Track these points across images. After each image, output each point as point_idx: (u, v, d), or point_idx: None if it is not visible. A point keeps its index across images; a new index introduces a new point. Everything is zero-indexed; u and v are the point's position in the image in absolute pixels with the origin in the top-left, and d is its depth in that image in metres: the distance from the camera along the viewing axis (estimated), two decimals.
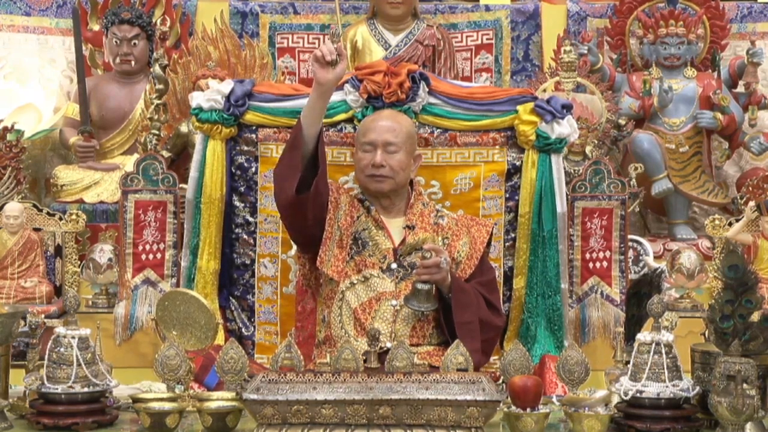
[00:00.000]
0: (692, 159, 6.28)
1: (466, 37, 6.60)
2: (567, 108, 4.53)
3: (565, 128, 4.50)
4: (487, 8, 6.64)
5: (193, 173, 4.60)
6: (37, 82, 6.54)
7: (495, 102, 4.53)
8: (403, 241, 4.15)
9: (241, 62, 5.98)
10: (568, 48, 6.02)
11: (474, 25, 6.60)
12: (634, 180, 5.67)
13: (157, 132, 5.69)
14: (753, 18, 6.64)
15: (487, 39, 6.60)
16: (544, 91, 6.00)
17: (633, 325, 3.83)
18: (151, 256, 4.92)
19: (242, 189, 4.59)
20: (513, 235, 4.55)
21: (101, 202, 6.04)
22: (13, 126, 5.95)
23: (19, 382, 3.64)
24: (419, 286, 3.98)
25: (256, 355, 4.57)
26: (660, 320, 3.42)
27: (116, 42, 6.26)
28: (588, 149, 5.77)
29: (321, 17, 6.59)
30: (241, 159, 4.58)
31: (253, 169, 4.58)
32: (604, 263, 4.87)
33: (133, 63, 6.28)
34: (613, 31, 6.50)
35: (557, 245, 4.50)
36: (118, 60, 6.29)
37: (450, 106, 4.53)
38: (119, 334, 4.86)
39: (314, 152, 4.03)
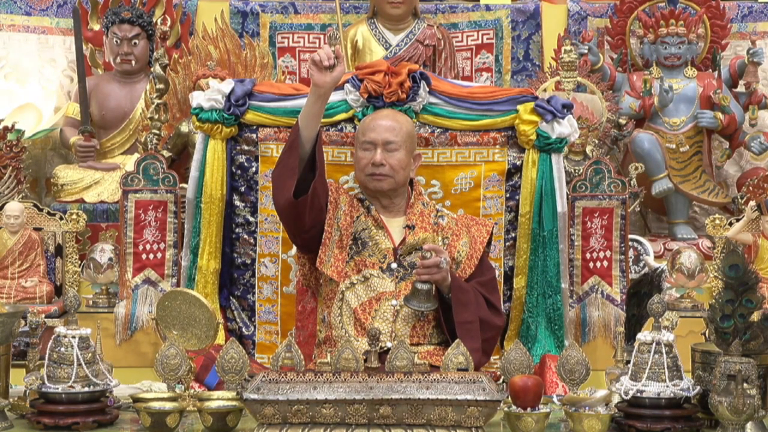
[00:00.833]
0: (692, 159, 6.28)
1: (467, 36, 6.60)
2: (567, 108, 4.53)
3: (566, 128, 4.50)
4: (488, 8, 6.63)
5: (193, 173, 4.60)
6: (38, 82, 6.54)
7: (495, 102, 4.53)
8: (403, 241, 4.15)
9: (241, 62, 5.98)
10: (568, 47, 6.02)
11: (474, 25, 6.60)
12: (634, 180, 5.67)
13: (157, 132, 5.69)
14: (753, 17, 6.63)
15: (487, 38, 6.59)
16: (545, 90, 6.00)
17: (633, 324, 3.83)
18: (151, 256, 4.93)
19: (243, 189, 4.59)
20: (513, 234, 4.55)
21: (102, 202, 6.04)
22: (13, 126, 5.95)
23: (20, 382, 3.64)
24: (419, 286, 3.98)
25: (256, 355, 4.57)
26: (660, 320, 3.42)
27: (117, 41, 6.26)
28: (588, 149, 5.77)
29: (321, 17, 6.59)
30: (241, 158, 4.58)
31: (254, 169, 4.58)
32: (605, 263, 4.88)
33: (133, 63, 6.28)
34: (614, 31, 6.50)
35: (558, 245, 4.50)
36: (118, 59, 6.29)
37: (450, 106, 4.53)
38: (119, 333, 4.87)
39: (312, 154, 4.03)
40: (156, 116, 5.71)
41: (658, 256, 5.86)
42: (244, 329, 4.61)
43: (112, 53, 6.32)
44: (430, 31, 6.32)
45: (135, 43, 6.27)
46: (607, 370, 3.77)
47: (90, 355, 3.44)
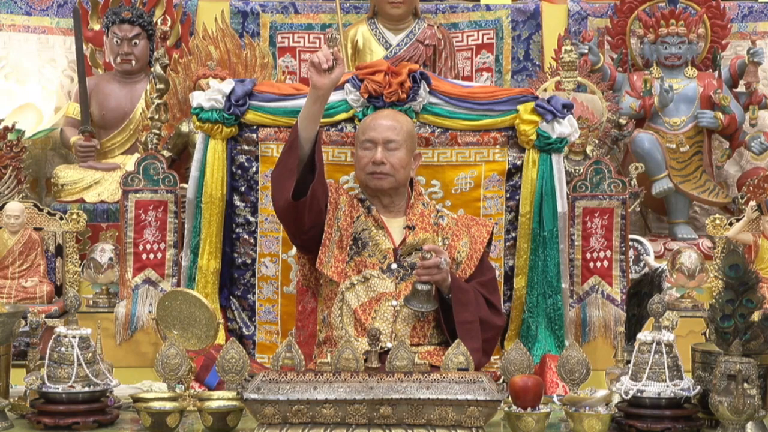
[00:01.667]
0: (693, 158, 6.28)
1: (467, 36, 6.60)
2: (567, 107, 4.53)
3: (566, 128, 4.50)
4: (488, 8, 6.64)
5: (193, 173, 4.59)
6: (38, 82, 6.54)
7: (495, 101, 4.53)
8: (403, 241, 4.15)
9: (241, 62, 5.98)
10: (568, 47, 6.02)
11: (475, 25, 6.60)
12: (634, 179, 5.67)
13: (157, 131, 5.69)
14: (754, 17, 6.63)
15: (487, 38, 6.60)
16: (545, 90, 6.00)
17: (633, 324, 3.83)
18: (151, 256, 4.93)
19: (243, 188, 4.59)
20: (513, 234, 4.55)
21: (102, 202, 6.04)
22: (13, 126, 5.95)
23: (20, 382, 3.64)
24: (419, 286, 3.98)
25: (256, 355, 4.57)
26: (660, 320, 3.42)
27: (117, 41, 6.27)
28: (589, 149, 5.77)
29: (321, 17, 6.59)
30: (241, 158, 4.58)
31: (254, 169, 4.58)
32: (605, 263, 4.88)
33: (133, 62, 6.29)
34: (614, 31, 6.50)
35: (558, 245, 4.50)
36: (118, 59, 6.29)
37: (451, 106, 4.53)
38: (120, 333, 4.87)
39: (312, 155, 4.03)
40: (156, 116, 5.71)
41: (658, 256, 5.86)
42: (244, 329, 4.60)
43: (112, 53, 6.32)
44: (430, 31, 6.32)
45: (135, 43, 6.27)
46: (608, 370, 3.77)
47: (90, 355, 3.44)
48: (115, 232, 5.64)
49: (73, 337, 3.41)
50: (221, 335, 4.35)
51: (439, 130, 4.54)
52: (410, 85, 4.48)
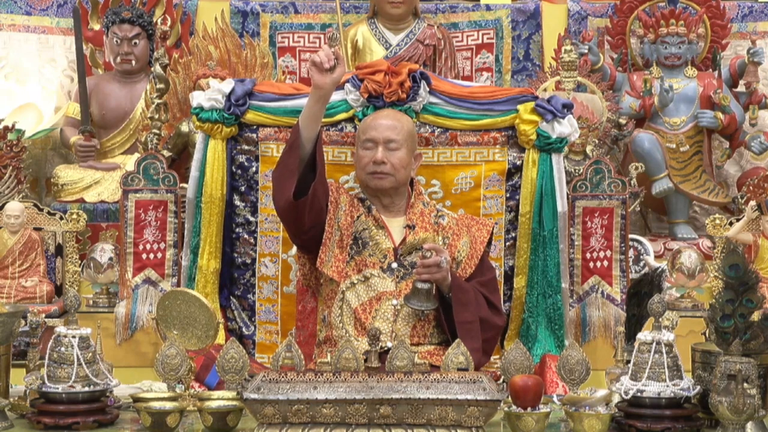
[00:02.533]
0: (693, 158, 6.28)
1: (467, 36, 6.60)
2: (567, 107, 4.53)
3: (566, 128, 4.50)
4: (488, 7, 6.64)
5: (193, 173, 4.59)
6: (38, 82, 6.54)
7: (495, 101, 4.53)
8: (403, 241, 4.15)
9: (241, 62, 5.98)
10: (568, 47, 6.02)
11: (474, 25, 6.60)
12: (634, 179, 5.67)
13: (157, 131, 5.69)
14: (753, 17, 6.64)
15: (487, 38, 6.60)
16: (545, 90, 6.00)
17: (633, 324, 3.83)
18: (151, 256, 4.93)
19: (243, 188, 4.59)
20: (513, 234, 4.55)
21: (102, 202, 6.04)
22: (13, 125, 5.95)
23: (20, 382, 3.64)
24: (419, 285, 3.98)
25: (256, 355, 4.57)
26: (660, 319, 3.42)
27: (117, 41, 6.27)
28: (588, 149, 5.77)
29: (321, 17, 6.59)
30: (241, 158, 4.58)
31: (254, 169, 4.58)
32: (605, 263, 4.88)
33: (133, 62, 6.29)
34: (614, 31, 6.50)
35: (558, 245, 4.50)
36: (118, 59, 6.29)
37: (451, 106, 4.53)
38: (120, 333, 4.87)
39: (312, 155, 4.03)
40: (156, 116, 5.71)
41: (658, 256, 5.86)
42: (244, 329, 4.60)
43: (112, 53, 6.32)
44: (430, 30, 6.32)
45: (135, 43, 6.28)
46: (607, 370, 3.77)
47: (90, 354, 3.44)
48: (115, 232, 5.64)
49: (73, 337, 3.41)
50: (221, 335, 4.35)
51: (439, 129, 4.54)
52: (410, 85, 4.48)
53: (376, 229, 4.16)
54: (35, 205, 5.60)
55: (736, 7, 6.61)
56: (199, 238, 4.57)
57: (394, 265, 4.12)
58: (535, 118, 4.47)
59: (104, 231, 5.81)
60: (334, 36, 4.03)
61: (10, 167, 5.78)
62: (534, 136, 4.47)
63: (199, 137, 4.62)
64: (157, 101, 5.73)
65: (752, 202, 5.59)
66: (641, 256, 5.73)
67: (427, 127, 4.53)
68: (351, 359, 3.29)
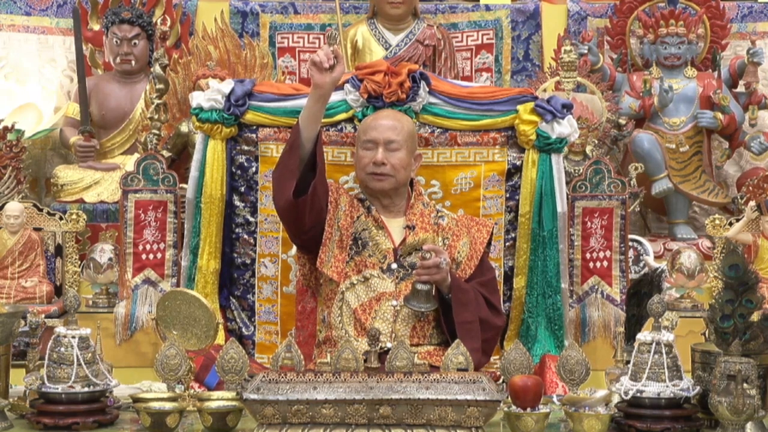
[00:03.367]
0: (692, 159, 6.28)
1: (467, 36, 6.60)
2: (567, 108, 4.53)
3: (566, 128, 4.50)
4: (488, 8, 6.64)
5: (193, 173, 4.59)
6: (38, 82, 6.54)
7: (495, 102, 4.53)
8: (403, 241, 4.15)
9: (241, 62, 5.98)
10: (568, 48, 6.02)
11: (474, 25, 6.60)
12: (634, 180, 5.67)
13: (157, 132, 5.69)
14: (753, 18, 6.64)
15: (487, 39, 6.60)
16: (545, 90, 6.00)
17: (633, 324, 3.83)
18: (151, 256, 4.93)
19: (242, 189, 4.59)
20: (513, 234, 4.55)
21: (101, 202, 6.04)
22: (13, 126, 5.95)
23: (20, 382, 3.64)
24: (419, 286, 3.98)
25: (256, 355, 4.57)
26: (660, 320, 3.42)
27: (116, 42, 6.27)
28: (588, 149, 5.77)
29: (321, 17, 6.60)
30: (241, 159, 4.58)
31: (254, 169, 4.58)
32: (605, 263, 4.88)
33: (133, 63, 6.29)
34: (614, 31, 6.50)
35: (557, 245, 4.50)
36: (118, 60, 6.29)
37: (450, 106, 4.53)
38: (119, 333, 4.87)
39: (312, 155, 4.03)
40: (156, 116, 5.71)
41: (658, 256, 5.86)
42: (244, 329, 4.60)
43: (111, 53, 6.32)
44: (430, 31, 6.33)
45: (135, 43, 6.28)
46: (607, 370, 3.77)
47: (90, 355, 3.44)
48: (115, 232, 5.64)
49: (73, 337, 3.41)
50: (221, 335, 4.35)
51: (438, 130, 4.54)
52: (410, 86, 4.48)
53: (376, 229, 4.16)
54: (35, 206, 5.60)
55: (735, 7, 6.61)
56: (198, 238, 4.57)
57: (394, 265, 4.12)
58: (534, 118, 4.47)
59: (104, 231, 5.80)
60: (333, 35, 4.03)
61: (10, 167, 5.78)
62: (534, 137, 4.47)
63: (198, 137, 4.62)
64: (156, 101, 5.73)
65: (752, 203, 5.59)
66: (641, 257, 5.73)
67: (427, 127, 4.54)
68: (351, 359, 3.29)
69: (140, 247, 4.92)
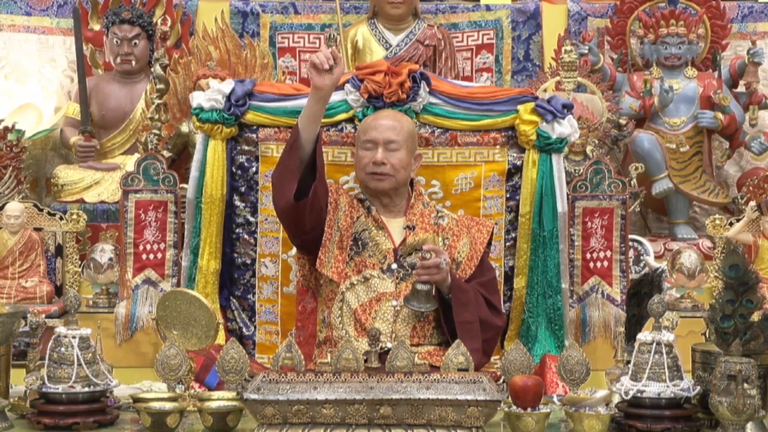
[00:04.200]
0: (693, 159, 6.28)
1: (467, 36, 6.60)
2: (567, 108, 4.53)
3: (566, 128, 4.50)
4: (488, 8, 6.64)
5: (193, 173, 4.59)
6: (38, 82, 6.54)
7: (495, 102, 4.53)
8: (403, 242, 4.15)
9: (241, 62, 5.98)
10: (568, 48, 6.02)
11: (475, 25, 6.60)
12: (634, 180, 5.67)
13: (157, 132, 5.69)
14: (754, 18, 6.64)
15: (487, 39, 6.60)
16: (545, 90, 6.00)
17: (633, 324, 3.82)
18: (151, 256, 4.93)
19: (243, 189, 4.59)
20: (513, 234, 4.55)
21: (102, 202, 6.04)
22: (13, 126, 5.95)
23: (20, 382, 3.64)
24: (419, 286, 3.98)
25: (256, 355, 4.57)
26: (660, 320, 3.42)
27: (117, 42, 6.27)
28: (588, 149, 5.77)
29: (321, 17, 6.59)
30: (241, 159, 4.58)
31: (254, 169, 4.58)
32: (605, 263, 4.87)
33: (133, 63, 6.29)
34: (614, 31, 6.50)
35: (558, 245, 4.50)
36: (118, 60, 6.29)
37: (450, 106, 4.53)
38: (120, 333, 4.87)
39: (312, 156, 4.03)
40: (156, 116, 5.71)
41: (658, 256, 5.86)
42: (244, 329, 4.60)
43: (112, 53, 6.32)
44: (430, 31, 6.33)
45: (135, 44, 6.28)
46: (608, 370, 3.77)
47: (90, 355, 3.44)
48: (115, 233, 5.64)
49: (73, 337, 3.41)
50: (221, 335, 4.35)
51: (439, 130, 4.54)
52: (410, 86, 4.48)
53: (376, 229, 4.16)
54: (35, 206, 5.60)
55: (736, 7, 6.61)
56: (199, 238, 4.57)
57: (394, 265, 4.12)
58: (535, 118, 4.47)
59: (104, 231, 5.80)
60: (332, 36, 4.03)
61: (10, 167, 5.78)
62: (534, 137, 4.47)
63: (199, 138, 4.62)
64: (157, 101, 5.74)
65: (752, 203, 5.59)
66: (641, 257, 5.73)
67: (427, 127, 4.54)
68: (351, 360, 3.29)
69: (140, 247, 4.92)
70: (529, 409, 3.30)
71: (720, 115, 6.19)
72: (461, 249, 4.19)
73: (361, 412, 3.20)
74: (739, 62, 6.37)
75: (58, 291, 5.50)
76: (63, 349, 3.41)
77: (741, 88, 6.39)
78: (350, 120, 4.53)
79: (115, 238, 5.60)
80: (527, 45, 6.59)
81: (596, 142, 5.87)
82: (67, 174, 6.12)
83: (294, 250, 4.46)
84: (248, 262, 4.60)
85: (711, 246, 5.90)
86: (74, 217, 5.57)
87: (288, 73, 6.47)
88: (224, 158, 4.55)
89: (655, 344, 3.36)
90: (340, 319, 4.09)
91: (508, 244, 4.55)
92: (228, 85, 4.56)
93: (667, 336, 3.38)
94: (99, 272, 5.43)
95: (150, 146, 5.60)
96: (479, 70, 6.59)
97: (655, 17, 6.29)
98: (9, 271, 5.43)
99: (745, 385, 3.19)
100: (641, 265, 5.68)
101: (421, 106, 4.51)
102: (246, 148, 4.58)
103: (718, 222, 5.66)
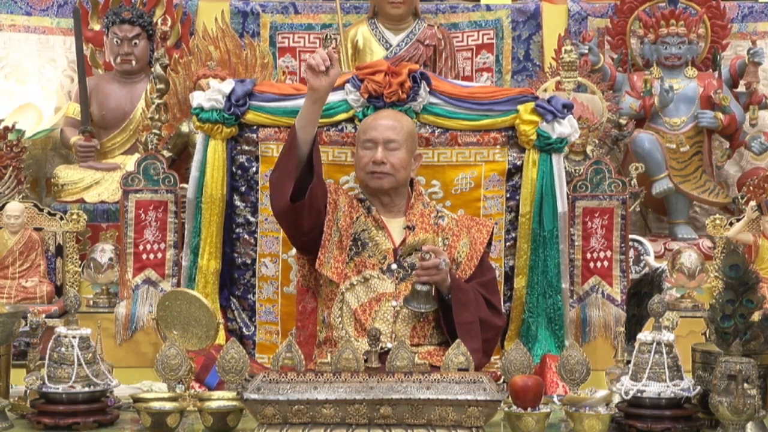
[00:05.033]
0: (693, 159, 6.28)
1: (467, 36, 6.60)
2: (568, 108, 4.53)
3: (566, 128, 4.50)
4: (488, 8, 6.64)
5: (193, 173, 4.60)
6: (38, 82, 6.54)
7: (496, 102, 4.53)
8: (403, 242, 4.15)
9: (241, 62, 5.98)
10: (568, 48, 6.02)
11: (475, 25, 6.60)
12: (634, 180, 5.67)
13: (157, 132, 5.69)
14: (754, 17, 6.64)
15: (487, 39, 6.60)
16: (545, 90, 6.00)
17: (634, 324, 3.82)
18: (151, 256, 4.93)
19: (243, 189, 4.59)
20: (514, 234, 4.55)
21: (102, 202, 6.04)
22: (13, 126, 5.95)
23: (20, 382, 3.65)
24: (418, 287, 3.98)
25: (256, 355, 4.57)
26: (661, 320, 3.42)
27: (117, 42, 6.27)
28: (589, 149, 5.77)
29: (322, 17, 6.59)
30: (241, 158, 4.58)
31: (254, 169, 4.58)
32: (605, 263, 4.88)
33: (133, 63, 6.29)
34: (614, 31, 6.50)
35: (558, 245, 4.50)
36: (118, 60, 6.29)
37: (451, 106, 4.53)
38: (120, 333, 4.87)
39: (310, 158, 4.03)
40: (156, 116, 5.71)
41: (658, 256, 5.86)
42: (244, 329, 4.60)
43: (112, 53, 6.32)
44: (430, 31, 6.32)
45: (135, 43, 6.27)
46: (608, 370, 3.77)
47: (90, 355, 3.44)
48: (115, 232, 5.64)
49: (73, 337, 3.41)
50: (221, 335, 4.35)
51: (439, 130, 4.54)
52: (410, 85, 4.48)
53: (376, 229, 4.16)
54: (35, 206, 5.60)
55: (736, 7, 6.61)
56: (199, 238, 4.57)
57: (394, 266, 4.12)
58: (535, 118, 4.47)
59: (104, 231, 5.80)
60: (329, 37, 4.03)
61: (11, 167, 5.78)
62: (534, 137, 4.47)
63: (199, 137, 4.62)
64: (157, 101, 5.74)
65: (752, 203, 5.59)
66: (641, 257, 5.73)
67: (427, 127, 4.54)
68: (351, 360, 3.29)
69: (141, 247, 4.92)
70: (529, 409, 3.30)
71: (720, 115, 6.19)
72: (461, 249, 4.18)
73: (361, 412, 3.20)
74: (739, 62, 6.37)
75: (58, 291, 5.50)
76: (63, 349, 3.41)
77: (741, 88, 6.39)
78: (350, 120, 4.53)
79: (115, 238, 5.60)
80: (527, 45, 6.59)
81: (596, 142, 5.87)
82: (67, 174, 6.12)
83: (294, 250, 4.46)
84: (248, 262, 4.60)
85: (711, 246, 5.90)
86: (74, 217, 5.57)
87: (288, 73, 6.46)
88: (224, 158, 4.55)
89: (655, 344, 3.36)
90: (340, 319, 4.09)
91: (508, 244, 4.55)
92: (228, 85, 4.56)
93: (667, 336, 3.38)
94: (99, 272, 5.42)
95: (150, 146, 5.60)
96: (479, 70, 6.58)
97: (655, 17, 6.29)
98: (9, 271, 5.43)
99: (745, 385, 3.19)
100: (641, 265, 5.68)
101: (422, 106, 4.51)
102: (246, 148, 4.58)
103: (718, 222, 5.66)
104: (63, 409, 3.39)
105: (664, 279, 5.09)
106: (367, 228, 4.16)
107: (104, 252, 5.48)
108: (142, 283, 4.91)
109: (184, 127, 5.88)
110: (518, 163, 4.53)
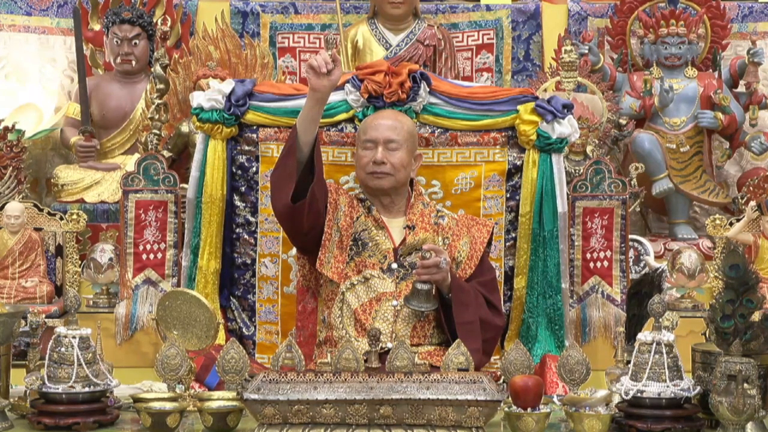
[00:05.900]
0: (693, 159, 6.28)
1: (467, 36, 6.60)
2: (568, 108, 4.54)
3: (566, 128, 4.50)
4: (488, 8, 6.64)
5: (193, 173, 4.60)
6: (38, 82, 6.54)
7: (496, 102, 4.53)
8: (403, 241, 4.15)
9: (241, 62, 5.98)
10: (568, 48, 6.02)
11: (475, 25, 6.60)
12: (634, 180, 5.67)
13: (157, 132, 5.69)
14: (754, 18, 6.63)
15: (487, 39, 6.60)
16: (545, 90, 6.00)
17: (634, 324, 3.83)
18: (151, 256, 4.93)
19: (243, 189, 4.59)
20: (514, 234, 4.55)
21: (102, 202, 6.04)
22: (14, 126, 5.95)
23: (20, 382, 3.65)
24: (419, 286, 3.98)
25: (256, 355, 4.58)
26: (661, 320, 3.42)
27: (117, 42, 6.26)
28: (589, 149, 5.76)
29: (322, 17, 6.59)
30: (241, 159, 4.58)
31: (254, 169, 4.58)
32: (605, 263, 4.87)
33: (133, 63, 6.29)
34: (614, 31, 6.50)
35: (558, 245, 4.50)
36: (118, 60, 6.29)
37: (451, 106, 4.53)
38: (120, 333, 4.86)
39: (310, 158, 4.03)
40: (156, 116, 5.71)
41: (658, 256, 5.86)
42: (244, 329, 4.61)
43: (112, 53, 6.32)
44: (430, 31, 6.32)
45: (135, 44, 6.27)
46: (608, 370, 3.77)
47: (90, 355, 3.44)
48: (115, 232, 5.64)
49: (73, 337, 3.42)
50: (221, 335, 4.35)
51: (439, 130, 4.54)
52: (410, 86, 4.48)
53: (376, 229, 4.17)
54: (35, 206, 5.60)
55: (736, 7, 6.60)
56: (199, 238, 4.57)
57: (394, 265, 4.12)
58: (535, 118, 4.47)
59: (104, 231, 5.80)
60: (331, 39, 4.03)
61: (11, 167, 5.78)
62: (534, 137, 4.47)
63: (199, 137, 4.62)
64: (157, 101, 5.73)
65: (752, 203, 5.59)
66: (641, 257, 5.73)
67: (427, 127, 4.54)
68: (351, 360, 3.29)
69: (141, 247, 4.92)
70: (529, 409, 3.30)
71: (720, 115, 6.19)
72: (461, 248, 4.19)
73: (361, 412, 3.21)
74: (739, 62, 6.37)
75: (58, 291, 5.50)
76: (63, 349, 3.41)
77: (741, 88, 6.39)
78: (350, 120, 4.53)
79: (116, 238, 5.60)
80: (527, 45, 6.59)
81: (596, 142, 5.86)
82: (67, 174, 6.12)
83: (294, 250, 4.46)
84: (248, 262, 4.61)
85: (711, 246, 5.90)
86: (74, 217, 5.57)
87: (288, 73, 6.46)
88: (224, 158, 4.55)
89: (655, 344, 3.36)
90: (340, 319, 4.09)
91: (508, 244, 4.56)
92: (228, 85, 4.56)
93: (667, 336, 3.38)
94: (99, 272, 5.42)
95: (150, 146, 5.60)
96: (479, 70, 6.58)
97: (655, 17, 6.28)
98: (9, 271, 5.43)
99: (745, 385, 3.19)
100: (641, 265, 5.67)
101: (422, 106, 4.51)
102: (246, 148, 4.58)
103: (718, 222, 5.65)
104: (63, 410, 3.39)
105: (664, 279, 5.09)
106: (367, 228, 4.16)
107: (104, 252, 5.48)
108: (142, 283, 4.90)
109: (184, 127, 5.88)
110: (518, 163, 4.53)
